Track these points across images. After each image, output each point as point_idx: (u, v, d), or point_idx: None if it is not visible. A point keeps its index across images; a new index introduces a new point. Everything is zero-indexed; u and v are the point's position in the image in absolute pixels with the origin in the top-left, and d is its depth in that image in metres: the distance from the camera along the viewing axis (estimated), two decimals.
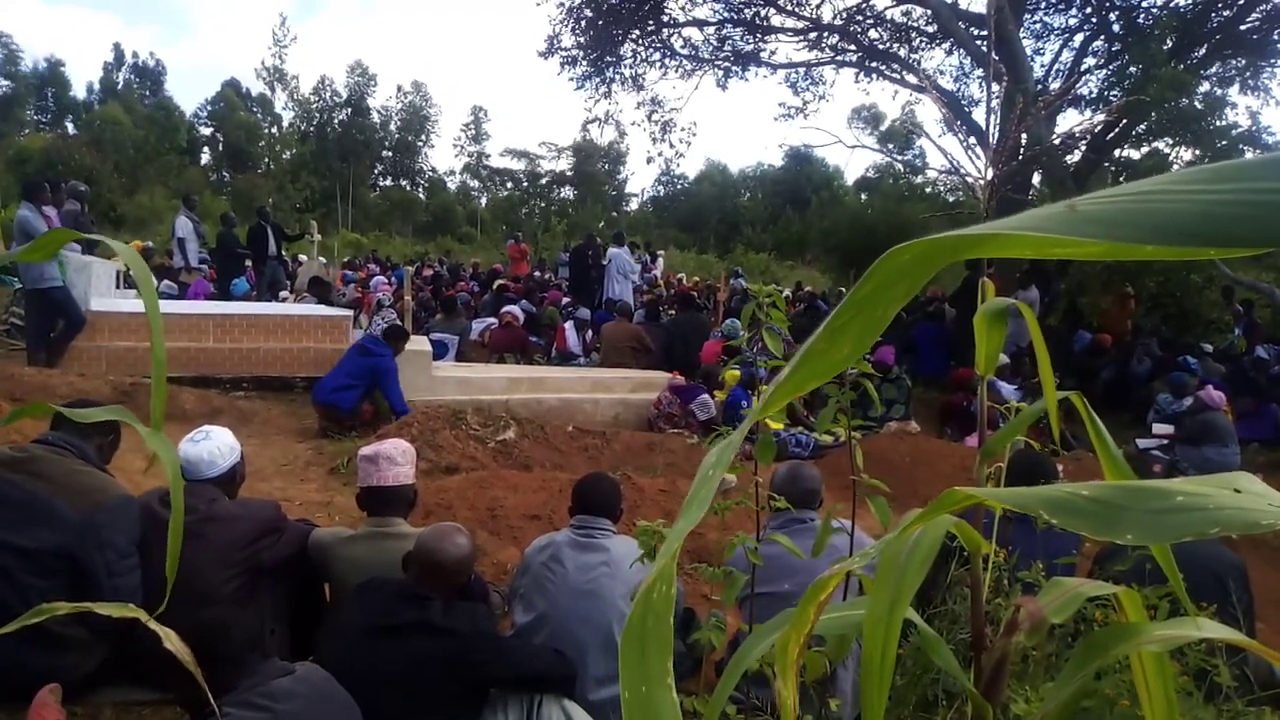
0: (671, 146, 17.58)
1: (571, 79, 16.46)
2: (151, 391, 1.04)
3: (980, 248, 0.66)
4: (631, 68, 16.46)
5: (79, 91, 46.50)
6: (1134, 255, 0.57)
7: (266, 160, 44.64)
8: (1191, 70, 11.22)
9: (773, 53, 16.62)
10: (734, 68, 16.48)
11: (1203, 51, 12.19)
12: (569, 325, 11.84)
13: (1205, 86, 11.90)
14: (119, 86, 46.38)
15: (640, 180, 66.42)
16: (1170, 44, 11.50)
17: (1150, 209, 0.55)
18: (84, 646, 2.81)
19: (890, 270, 0.66)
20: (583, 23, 15.39)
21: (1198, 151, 10.19)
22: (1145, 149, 11.52)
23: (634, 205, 51.20)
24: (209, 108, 46.85)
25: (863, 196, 38.10)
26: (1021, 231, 0.60)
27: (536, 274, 19.04)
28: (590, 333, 11.76)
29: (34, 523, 2.78)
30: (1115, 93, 11.65)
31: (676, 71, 16.52)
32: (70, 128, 41.87)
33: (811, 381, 0.71)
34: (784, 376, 0.71)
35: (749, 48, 16.33)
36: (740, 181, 49.81)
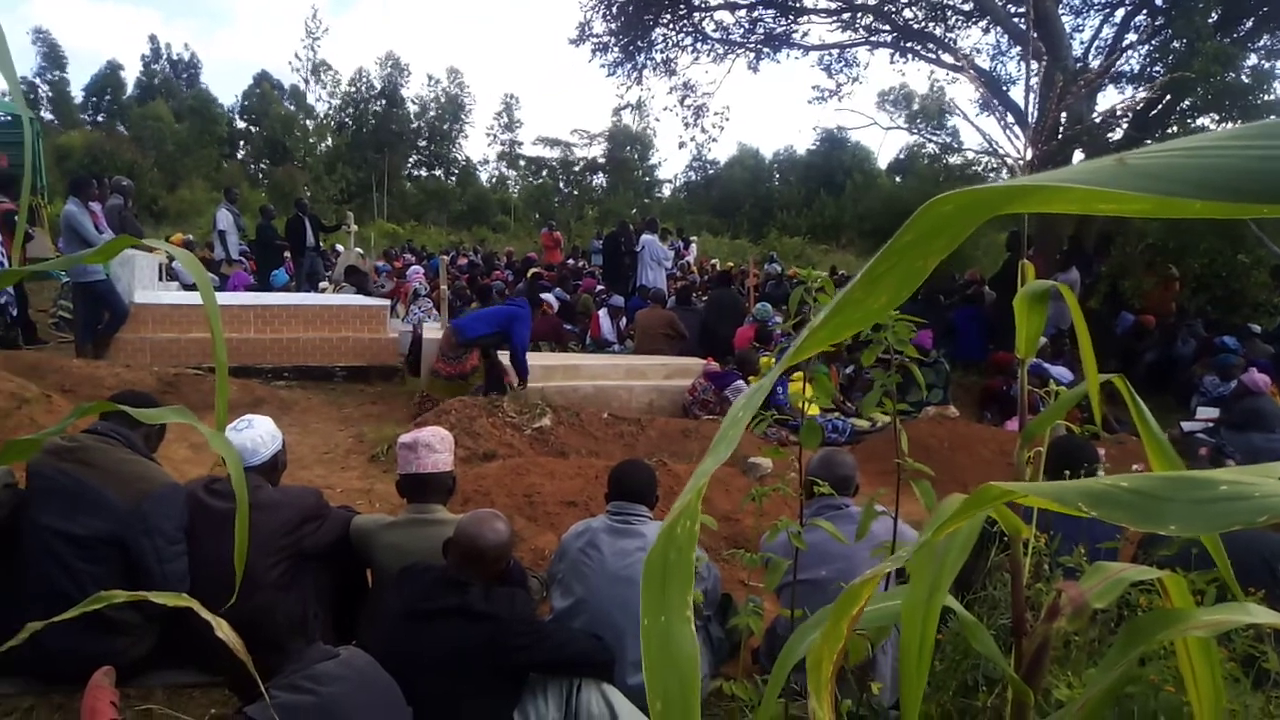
0: (704, 131, 17.48)
1: (603, 65, 16.43)
2: (204, 384, 1.06)
3: (1025, 200, 0.64)
4: (663, 52, 16.37)
5: (130, 87, 47.34)
6: (1182, 212, 0.55)
7: (302, 152, 45.06)
8: (1238, 43, 10.90)
9: (805, 34, 16.42)
10: (766, 50, 16.31)
11: (1250, 24, 11.83)
12: (603, 313, 11.86)
13: (1252, 60, 11.52)
14: (156, 81, 47.04)
15: (672, 166, 66.13)
16: (1215, 16, 11.18)
17: (1200, 164, 0.54)
18: (136, 631, 2.89)
19: (932, 219, 0.65)
20: (614, 8, 15.33)
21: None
22: (1190, 125, 11.23)
23: (666, 191, 50.99)
24: (244, 101, 47.41)
25: (897, 179, 37.66)
26: (1069, 184, 0.58)
27: (570, 262, 19.07)
28: (624, 320, 11.77)
29: (85, 510, 2.86)
30: (1158, 68, 11.36)
31: (708, 55, 16.39)
32: (121, 127, 42.67)
33: (846, 329, 0.70)
34: (819, 322, 0.70)
35: (781, 30, 16.14)
36: (773, 165, 49.37)
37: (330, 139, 46.07)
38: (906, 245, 0.66)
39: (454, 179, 49.49)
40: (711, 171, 49.57)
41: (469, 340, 7.39)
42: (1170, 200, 0.54)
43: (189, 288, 11.32)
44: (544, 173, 49.24)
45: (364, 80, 47.73)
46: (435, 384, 7.55)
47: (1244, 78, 10.33)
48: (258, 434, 3.19)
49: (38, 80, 44.47)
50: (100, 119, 44.62)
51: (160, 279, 11.18)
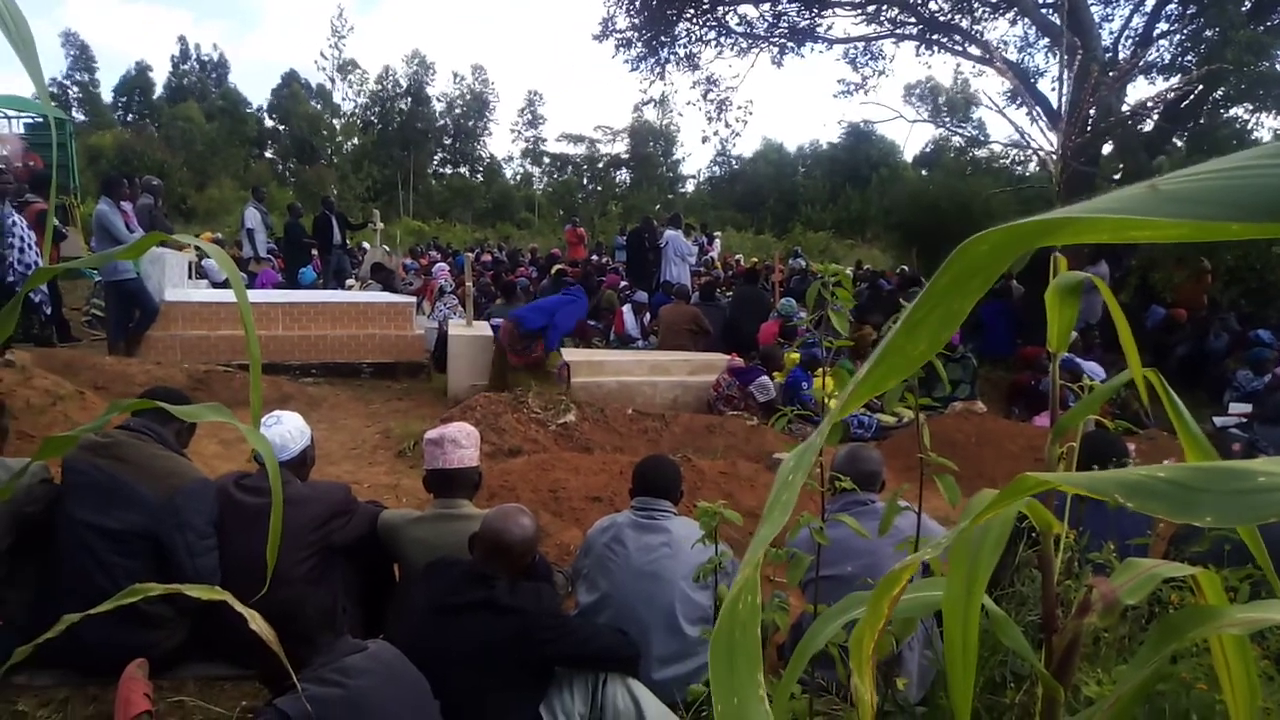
0: (728, 126, 17.43)
1: (626, 60, 16.41)
2: (235, 381, 1.08)
3: (1058, 233, 0.64)
4: (686, 47, 16.33)
5: (159, 88, 48.01)
6: (1218, 236, 0.54)
7: (329, 151, 45.44)
8: (1271, 32, 10.70)
9: (829, 27, 16.33)
10: (790, 44, 16.22)
11: None
12: (627, 309, 11.85)
13: None
14: (186, 81, 47.64)
15: (696, 162, 66.00)
16: (1248, 5, 10.98)
17: (1236, 185, 0.53)
18: (169, 624, 2.93)
19: (969, 261, 0.65)
20: (636, 2, 15.31)
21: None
22: (1222, 117, 11.04)
23: (690, 187, 50.93)
24: (272, 100, 47.88)
25: (923, 172, 37.35)
26: (1101, 215, 0.58)
27: (594, 258, 19.08)
28: (648, 316, 11.76)
29: (118, 505, 2.90)
30: (1190, 59, 11.19)
31: (732, 50, 16.34)
32: (152, 127, 43.29)
33: (891, 378, 0.71)
34: (863, 373, 0.71)
35: (805, 23, 16.04)
36: (797, 160, 49.15)
37: (356, 137, 46.40)
38: (944, 289, 0.67)
39: (479, 176, 49.69)
40: (735, 166, 49.42)
41: (530, 331, 7.67)
42: (1206, 224, 0.53)
43: (219, 285, 11.46)
44: (569, 169, 49.31)
45: (391, 78, 48.04)
46: (516, 374, 7.91)
47: (1278, 67, 10.14)
48: (287, 429, 3.23)
49: (68, 81, 45.16)
50: (130, 119, 45.24)
51: (190, 277, 11.32)
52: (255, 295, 9.91)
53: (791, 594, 3.05)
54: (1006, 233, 0.63)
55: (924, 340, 0.69)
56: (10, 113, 14.94)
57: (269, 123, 47.93)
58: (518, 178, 51.10)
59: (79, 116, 41.20)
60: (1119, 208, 0.57)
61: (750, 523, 4.89)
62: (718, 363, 8.74)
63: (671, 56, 16.33)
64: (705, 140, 32.87)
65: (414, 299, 10.42)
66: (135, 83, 46.95)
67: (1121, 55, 12.26)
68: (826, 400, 2.24)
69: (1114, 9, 14.07)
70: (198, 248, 1.22)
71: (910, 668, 2.73)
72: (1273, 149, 0.55)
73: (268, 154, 46.65)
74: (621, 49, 16.10)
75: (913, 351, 0.69)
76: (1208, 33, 10.69)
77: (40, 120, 14.86)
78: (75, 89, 45.59)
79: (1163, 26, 13.06)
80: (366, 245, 17.46)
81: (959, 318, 0.68)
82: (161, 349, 8.34)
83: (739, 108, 17.32)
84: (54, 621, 1.25)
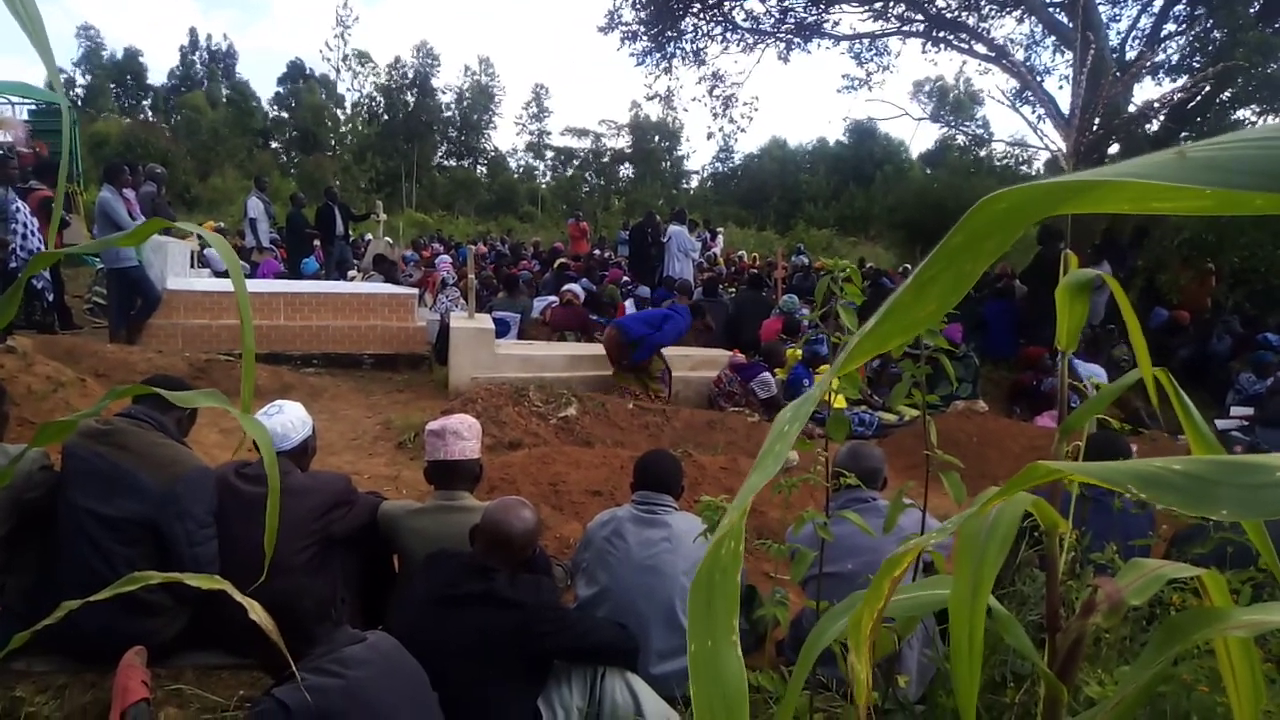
0: (732, 121, 17.41)
1: (632, 54, 16.38)
2: (234, 370, 1.07)
3: (1080, 198, 0.62)
4: (692, 42, 16.31)
5: (158, 77, 48.06)
6: (1242, 209, 0.53)
7: (333, 142, 45.40)
8: None
9: (836, 23, 16.29)
10: (796, 40, 16.19)
11: None
12: (629, 303, 11.84)
13: None
14: (194, 71, 47.61)
15: (700, 157, 65.99)
16: (1257, 6, 10.94)
17: (1266, 155, 0.52)
18: (168, 612, 2.93)
19: (984, 220, 0.63)
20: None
21: None
22: (1230, 118, 11.01)
23: (693, 182, 50.89)
24: (278, 90, 47.89)
25: (928, 171, 37.30)
26: (1128, 179, 0.56)
27: (596, 252, 19.07)
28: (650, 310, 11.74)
29: (118, 493, 2.90)
30: (1198, 59, 11.15)
31: (738, 45, 16.31)
32: (149, 114, 43.26)
33: (897, 336, 0.69)
34: (869, 328, 0.68)
35: (812, 19, 16.01)
36: (801, 157, 49.07)
37: (360, 127, 46.38)
38: (957, 247, 0.64)
39: (482, 169, 49.67)
40: (739, 162, 49.36)
41: (633, 339, 7.88)
42: (1233, 194, 0.52)
43: (221, 275, 11.44)
44: (574, 163, 49.28)
45: (399, 69, 48.00)
46: (623, 376, 8.08)
47: None
48: (288, 419, 3.22)
49: (76, 71, 45.22)
50: (125, 106, 45.25)
51: (192, 266, 11.32)
52: (257, 285, 9.90)
53: (792, 590, 3.06)
54: (1025, 192, 0.61)
55: (933, 300, 0.67)
56: (14, 100, 14.91)
57: (274, 113, 47.92)
58: (520, 170, 51.06)
59: (84, 105, 41.18)
60: (1145, 173, 0.55)
61: (750, 518, 4.89)
62: (719, 358, 8.74)
63: (677, 51, 16.31)
64: (710, 137, 32.93)
65: (416, 290, 10.40)
66: (125, 68, 46.87)
67: (1129, 55, 12.22)
68: (829, 396, 2.23)
69: (1122, 9, 14.05)
70: (199, 236, 1.21)
71: (910, 666, 2.73)
72: None
73: (272, 144, 46.61)
74: (627, 41, 16.07)
75: (920, 312, 0.67)
76: (1216, 34, 10.65)
77: (45, 107, 14.83)
78: (84, 79, 45.63)
79: (1170, 27, 13.04)
80: (369, 236, 17.44)
81: (970, 280, 0.66)
82: (163, 337, 8.35)
83: (745, 104, 17.33)
84: (53, 608, 1.24)
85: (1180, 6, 12.99)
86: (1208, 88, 10.54)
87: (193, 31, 50.92)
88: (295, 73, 47.87)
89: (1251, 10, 10.60)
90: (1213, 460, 0.70)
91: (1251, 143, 0.54)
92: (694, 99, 21.86)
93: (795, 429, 0.73)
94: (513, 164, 51.68)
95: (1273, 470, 0.65)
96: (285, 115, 47.16)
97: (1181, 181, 0.53)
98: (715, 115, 17.20)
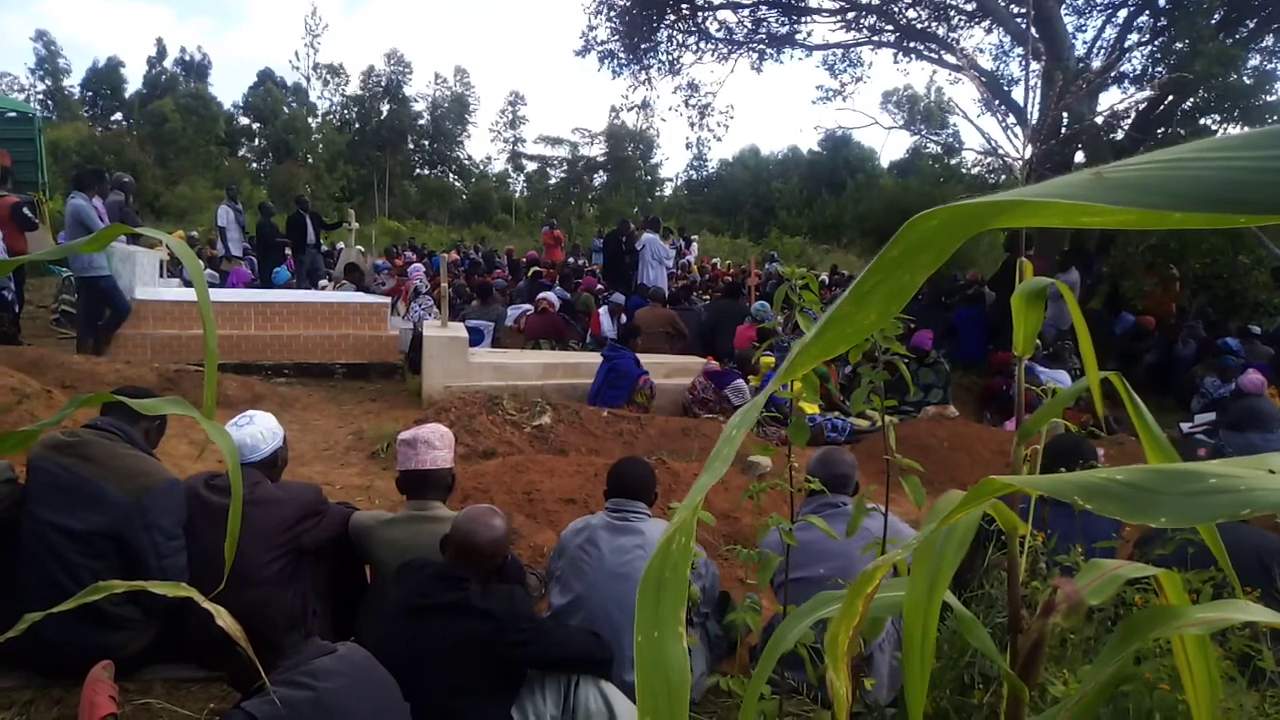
0: (709, 130, 17.53)
1: (611, 68, 16.45)
2: (204, 381, 1.07)
3: (1007, 215, 0.65)
4: (668, 53, 16.40)
5: (134, 85, 47.49)
6: (1161, 224, 0.56)
7: (304, 150, 45.07)
8: (1240, 44, 10.90)
9: (808, 34, 16.46)
10: (769, 50, 16.33)
11: (1252, 25, 11.83)
12: (603, 311, 11.84)
13: (1255, 61, 11.54)
14: (163, 79, 47.06)
15: (674, 165, 66.21)
16: (1217, 17, 11.17)
17: (1179, 175, 0.55)
18: (135, 625, 2.89)
19: (918, 235, 0.66)
20: (615, 9, 15.33)
21: (1246, 129, 9.91)
22: (1193, 127, 11.22)
23: (668, 190, 51.05)
24: (248, 98, 47.43)
25: (899, 179, 37.61)
26: (1049, 199, 0.59)
27: (571, 260, 19.07)
28: (624, 318, 11.75)
29: (83, 505, 2.85)
30: (1160, 69, 11.35)
31: (712, 55, 16.41)
32: (124, 122, 42.73)
33: (839, 345, 0.71)
34: (810, 339, 0.71)
35: (784, 30, 16.16)
36: (774, 165, 49.36)
37: (331, 135, 46.10)
38: (893, 260, 0.67)
39: (456, 177, 49.53)
40: (713, 170, 49.58)
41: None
42: (1149, 212, 0.54)
43: (190, 285, 11.31)
44: (551, 170, 49.31)
45: (373, 78, 47.81)
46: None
47: (1246, 79, 10.33)
48: (259, 429, 3.19)
49: (33, 78, 44.65)
50: (98, 114, 44.70)
51: (161, 275, 11.19)
52: (228, 294, 9.81)
53: (765, 596, 3.07)
54: (956, 210, 0.64)
55: (874, 311, 0.70)
56: None
57: (244, 120, 47.48)
58: (494, 179, 50.94)
59: (44, 113, 40.64)
60: (1064, 193, 0.58)
61: (724, 525, 4.91)
62: (694, 366, 8.76)
63: (653, 61, 16.39)
64: (689, 147, 33.12)
65: (388, 299, 10.35)
66: (104, 78, 46.32)
67: (1094, 65, 12.43)
68: (794, 402, 2.25)
69: (1087, 20, 14.29)
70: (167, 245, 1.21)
71: (881, 669, 2.75)
72: (1216, 143, 0.56)
73: (242, 152, 46.18)
74: (605, 61, 16.13)
75: (862, 321, 0.70)
76: (1178, 44, 10.86)
77: (12, 115, 14.62)
78: (43, 85, 45.03)
79: (1134, 38, 13.28)
80: (341, 245, 17.33)
81: (909, 290, 0.69)
82: (132, 348, 8.23)
83: (720, 113, 17.45)
84: (15, 623, 1.23)
85: (1144, 18, 13.25)
86: (1170, 97, 10.74)
87: (159, 41, 50.52)
88: (264, 81, 47.50)
89: (1212, 22, 10.82)
90: (1153, 469, 0.72)
91: (1164, 164, 0.56)
92: (670, 108, 22.01)
93: (741, 434, 0.75)
94: (488, 171, 51.61)
95: (1207, 478, 0.67)
96: (253, 124, 46.76)
97: (1097, 201, 0.56)
98: (692, 125, 17.33)
